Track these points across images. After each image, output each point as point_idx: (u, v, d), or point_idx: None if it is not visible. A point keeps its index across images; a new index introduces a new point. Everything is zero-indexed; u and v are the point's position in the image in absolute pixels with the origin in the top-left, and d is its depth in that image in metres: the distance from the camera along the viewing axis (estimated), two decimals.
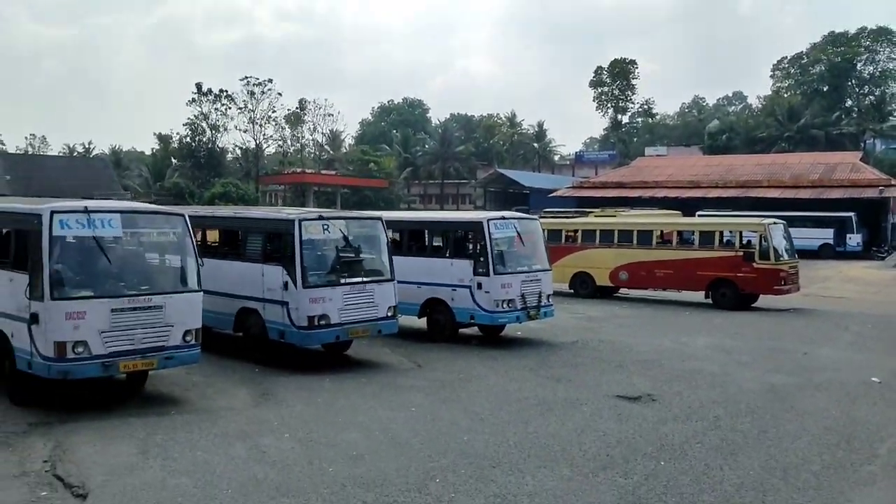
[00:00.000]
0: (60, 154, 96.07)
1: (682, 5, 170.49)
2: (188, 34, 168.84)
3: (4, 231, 10.81)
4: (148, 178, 69.95)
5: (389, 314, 13.56)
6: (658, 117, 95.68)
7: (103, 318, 9.70)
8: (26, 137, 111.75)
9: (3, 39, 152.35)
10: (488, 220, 15.56)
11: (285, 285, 12.52)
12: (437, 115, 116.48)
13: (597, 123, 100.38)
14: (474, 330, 16.34)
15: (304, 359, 13.47)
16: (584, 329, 17.93)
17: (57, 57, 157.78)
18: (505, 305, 15.29)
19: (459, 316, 15.64)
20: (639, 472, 7.98)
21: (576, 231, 25.84)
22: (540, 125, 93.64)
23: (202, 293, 10.86)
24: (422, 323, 16.21)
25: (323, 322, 12.54)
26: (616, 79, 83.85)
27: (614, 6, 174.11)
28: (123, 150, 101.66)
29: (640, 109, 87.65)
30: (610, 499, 7.27)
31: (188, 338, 10.50)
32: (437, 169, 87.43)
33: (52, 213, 9.74)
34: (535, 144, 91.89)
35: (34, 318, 9.51)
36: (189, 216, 11.18)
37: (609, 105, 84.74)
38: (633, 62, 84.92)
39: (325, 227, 13.30)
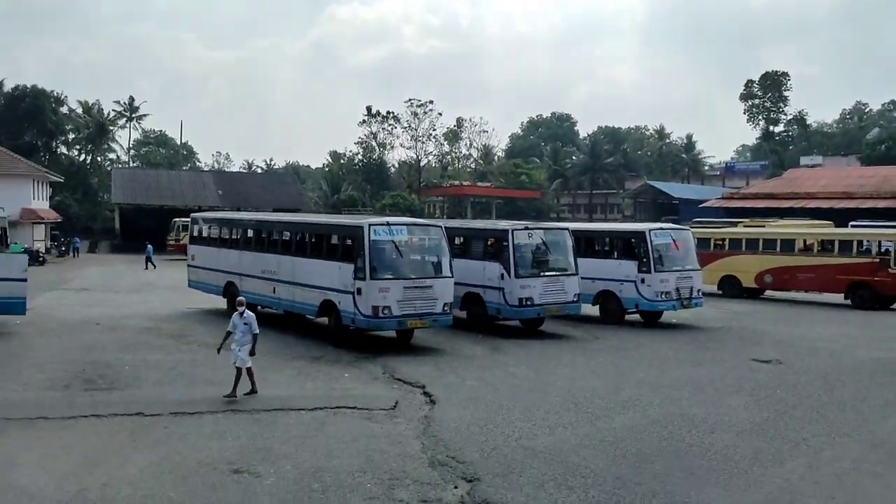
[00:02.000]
0: (242, 170, 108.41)
1: (843, 4, 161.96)
2: (339, 53, 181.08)
3: (336, 237, 16.46)
4: (327, 192, 78.62)
5: (574, 299, 18.33)
6: (815, 125, 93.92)
7: (399, 292, 15.09)
8: (213, 155, 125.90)
9: (177, 63, 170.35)
10: (649, 231, 20.00)
11: (501, 276, 17.57)
12: (584, 128, 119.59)
13: (749, 131, 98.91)
14: (637, 318, 20.64)
15: (510, 331, 18.40)
16: (729, 319, 21.76)
17: (222, 78, 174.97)
18: (663, 296, 19.62)
19: (626, 304, 20.10)
20: (762, 395, 12.20)
21: (723, 239, 29.31)
22: (689, 137, 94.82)
23: (453, 279, 16.10)
24: (595, 310, 20.68)
25: (528, 303, 17.51)
26: (767, 90, 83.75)
27: (767, 6, 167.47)
28: (296, 165, 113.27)
29: (793, 118, 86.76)
30: (740, 402, 11.59)
31: (445, 308, 15.75)
32: (586, 180, 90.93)
33: (370, 225, 15.29)
34: (684, 155, 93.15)
35: (358, 291, 15.02)
36: (444, 227, 16.53)
37: (760, 117, 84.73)
38: (784, 74, 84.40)
39: (529, 234, 18.30)
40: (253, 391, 11.28)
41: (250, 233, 19.53)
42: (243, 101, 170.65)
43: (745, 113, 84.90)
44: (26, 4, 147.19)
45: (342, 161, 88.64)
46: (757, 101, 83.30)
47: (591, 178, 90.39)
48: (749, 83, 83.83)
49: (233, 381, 11.11)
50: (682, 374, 13.78)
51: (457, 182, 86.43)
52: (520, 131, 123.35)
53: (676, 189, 69.80)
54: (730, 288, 28.31)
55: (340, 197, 74.55)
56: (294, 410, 10.56)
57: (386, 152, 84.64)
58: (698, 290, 20.46)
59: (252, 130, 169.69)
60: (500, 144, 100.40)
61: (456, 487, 7.68)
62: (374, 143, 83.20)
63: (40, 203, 49.21)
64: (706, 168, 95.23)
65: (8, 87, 69.14)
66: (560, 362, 14.80)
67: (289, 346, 15.84)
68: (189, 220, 50.03)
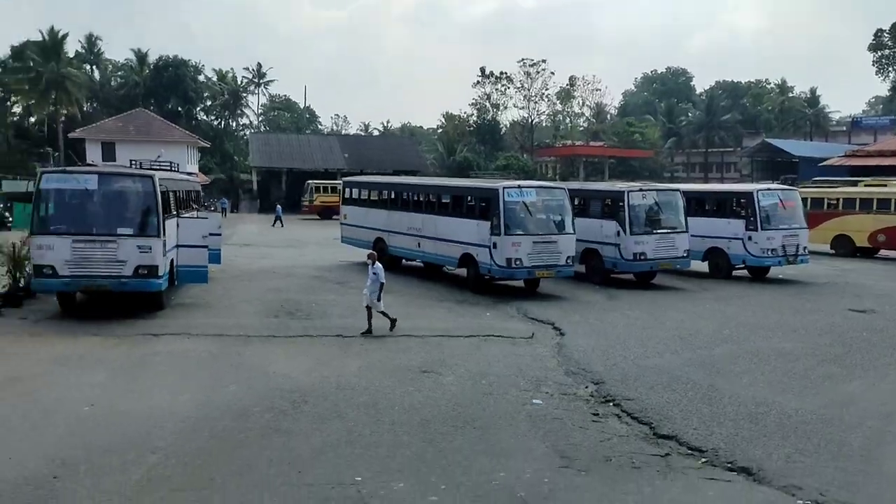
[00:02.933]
0: (359, 132, 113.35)
1: None
2: (446, 8, 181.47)
3: (473, 199, 19.23)
4: (443, 154, 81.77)
5: (684, 255, 20.39)
6: None
7: (529, 246, 17.73)
8: (331, 117, 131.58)
9: (288, 24, 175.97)
10: (757, 191, 21.65)
11: (618, 233, 19.85)
12: (700, 83, 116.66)
13: (879, 84, 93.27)
14: (745, 273, 22.37)
15: (625, 283, 20.68)
16: (834, 275, 23.09)
17: (332, 39, 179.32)
18: (769, 253, 21.31)
19: (734, 260, 21.91)
20: (849, 336, 14.07)
21: (837, 199, 30.05)
22: (813, 91, 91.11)
23: (574, 235, 18.55)
24: (704, 266, 22.53)
25: (642, 257, 19.74)
26: None
27: None
28: (411, 126, 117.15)
29: None
30: (826, 341, 13.56)
31: (568, 260, 18.29)
32: (701, 138, 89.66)
33: (504, 188, 17.95)
34: (807, 110, 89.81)
35: (494, 245, 17.76)
36: (567, 189, 18.98)
37: (891, 69, 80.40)
38: None
39: (643, 195, 20.42)
40: (369, 331, 13.36)
41: (397, 194, 22.62)
42: (354, 61, 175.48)
43: (873, 65, 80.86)
44: None
45: (456, 122, 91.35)
46: (887, 52, 79.07)
47: (706, 135, 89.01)
48: (879, 32, 79.59)
49: (367, 320, 13.46)
50: (779, 319, 15.76)
51: (569, 142, 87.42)
52: (633, 87, 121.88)
53: (796, 147, 68.18)
54: (842, 247, 29.18)
55: (455, 159, 77.47)
56: (453, 337, 13.49)
57: (499, 113, 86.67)
58: (804, 248, 21.97)
59: (364, 90, 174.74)
60: (612, 102, 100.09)
61: (586, 387, 10.35)
62: (487, 105, 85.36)
63: (192, 167, 54.87)
64: (832, 124, 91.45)
65: (152, 58, 75.84)
66: (670, 308, 17.07)
67: (435, 292, 18.87)
68: (321, 182, 54.70)
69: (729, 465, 7.43)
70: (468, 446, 7.77)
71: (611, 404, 9.56)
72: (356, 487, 6.59)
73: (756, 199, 21.45)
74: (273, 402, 9.16)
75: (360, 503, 6.30)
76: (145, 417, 8.44)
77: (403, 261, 22.82)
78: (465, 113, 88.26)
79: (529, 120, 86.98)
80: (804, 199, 30.64)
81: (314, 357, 11.69)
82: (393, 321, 13.73)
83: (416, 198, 21.87)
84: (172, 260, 15.68)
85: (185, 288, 17.48)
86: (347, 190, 25.65)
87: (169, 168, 21.36)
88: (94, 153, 49.33)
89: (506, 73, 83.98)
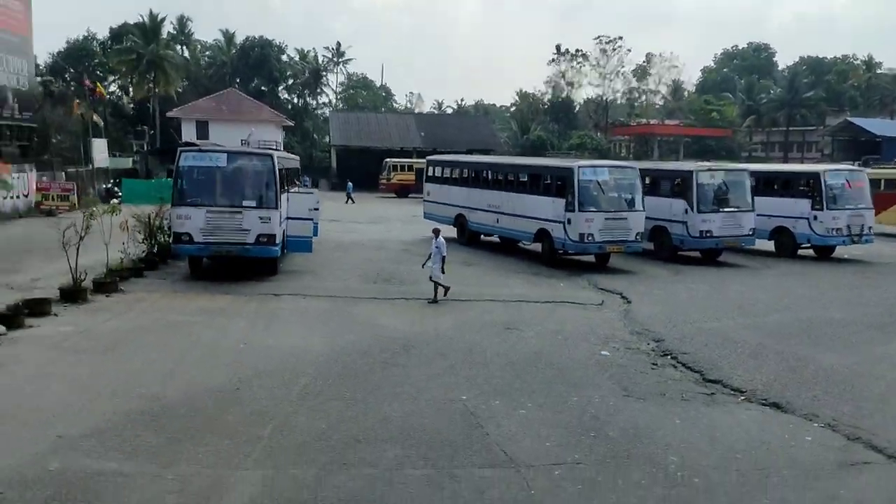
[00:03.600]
0: (433, 109, 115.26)
1: None
2: None
3: (549, 178, 20.86)
4: (516, 132, 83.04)
5: (749, 233, 21.55)
6: None
7: (601, 222, 19.27)
8: (406, 95, 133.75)
9: (365, 2, 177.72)
10: (824, 172, 22.53)
11: (685, 211, 21.15)
12: (783, 59, 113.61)
13: None
14: (811, 252, 23.30)
15: (691, 260, 21.97)
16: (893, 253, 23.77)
17: (407, 14, 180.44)
18: (834, 232, 22.22)
19: (799, 239, 22.89)
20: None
21: None
22: None
23: (644, 213, 19.98)
24: (771, 246, 23.54)
25: (708, 234, 21.02)
26: None
27: None
28: (484, 104, 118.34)
29: None
30: (876, 311, 14.75)
31: (637, 237, 19.78)
32: (782, 116, 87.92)
33: (579, 167, 19.53)
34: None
35: (568, 221, 19.38)
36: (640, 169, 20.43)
37: None
38: None
39: (711, 175, 21.62)
40: (434, 300, 14.80)
41: (477, 173, 24.44)
42: (428, 38, 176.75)
43: None
44: None
45: (530, 100, 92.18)
46: None
47: (787, 113, 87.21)
48: None
49: (433, 290, 15.06)
50: (836, 293, 16.94)
51: (644, 120, 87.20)
52: (713, 64, 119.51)
53: (880, 126, 66.52)
54: None
55: (529, 137, 78.61)
56: (530, 302, 15.30)
57: (574, 91, 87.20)
58: (869, 228, 22.76)
59: (438, 66, 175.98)
60: (690, 79, 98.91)
61: (648, 344, 12.02)
62: (562, 82, 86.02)
63: (277, 143, 57.87)
64: None
65: (238, 38, 79.37)
66: (732, 281, 18.42)
67: (512, 265, 20.66)
68: (399, 160, 56.81)
69: (763, 401, 9.05)
70: (548, 379, 9.63)
71: (668, 357, 11.23)
72: (462, 403, 8.54)
73: (823, 179, 22.34)
74: (386, 345, 11.21)
75: (467, 413, 8.23)
76: (288, 353, 10.61)
77: (482, 236, 24.67)
78: (539, 91, 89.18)
79: (604, 98, 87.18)
80: (879, 180, 31.26)
81: (413, 315, 13.72)
82: (447, 289, 15.19)
83: (494, 176, 23.63)
84: (283, 230, 17.96)
85: (291, 256, 19.78)
86: (430, 168, 27.62)
87: (275, 148, 23.72)
88: (188, 131, 52.88)
89: (581, 51, 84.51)
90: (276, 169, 16.78)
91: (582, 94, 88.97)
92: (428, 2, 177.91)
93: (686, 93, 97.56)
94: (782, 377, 10.03)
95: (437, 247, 15.30)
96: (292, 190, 20.01)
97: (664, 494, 6.46)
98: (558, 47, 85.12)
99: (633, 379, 9.91)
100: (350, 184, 48.67)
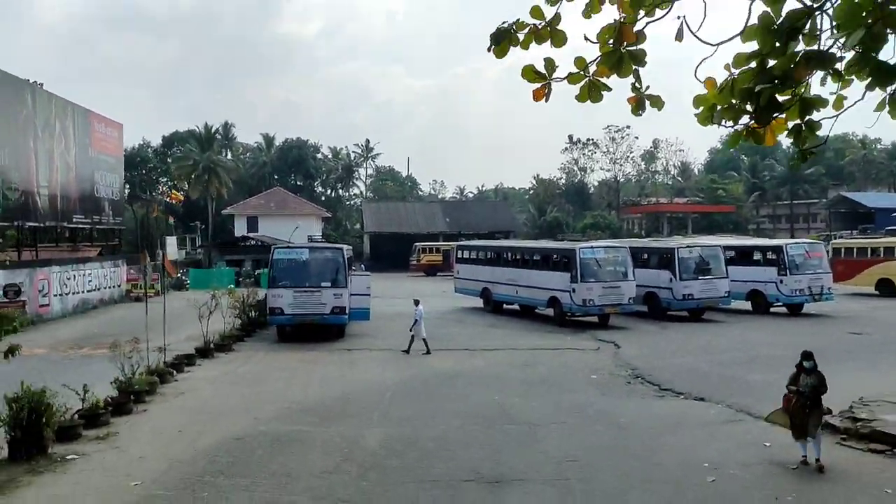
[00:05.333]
0: (455, 195, 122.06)
1: None
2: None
3: (557, 256, 25.89)
4: (534, 214, 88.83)
5: (725, 295, 26.26)
6: None
7: (599, 290, 24.11)
8: (429, 183, 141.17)
9: (387, 94, 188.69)
10: (786, 245, 27.35)
11: (670, 279, 25.96)
12: (785, 139, 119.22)
13: None
14: (783, 310, 27.82)
15: (678, 318, 26.56)
16: (863, 311, 28.14)
17: (425, 105, 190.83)
18: (797, 293, 26.83)
19: (770, 299, 27.50)
20: (837, 345, 19.65)
21: (877, 247, 34.87)
22: (895, 144, 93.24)
23: (634, 281, 24.81)
24: (746, 305, 28.12)
25: (690, 297, 25.75)
26: None
27: None
28: (503, 188, 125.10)
29: None
30: (816, 344, 19.24)
31: (630, 300, 24.56)
32: (785, 191, 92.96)
33: (579, 248, 24.56)
34: (891, 163, 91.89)
35: (573, 290, 24.25)
36: (629, 247, 25.41)
37: None
38: None
39: (691, 250, 26.54)
40: (427, 352, 19.38)
41: (499, 254, 29.55)
42: (448, 127, 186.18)
43: None
44: (251, 57, 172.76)
45: (546, 185, 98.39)
46: None
47: (790, 189, 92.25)
48: None
49: (425, 344, 19.42)
50: (786, 339, 21.33)
51: (654, 199, 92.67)
52: (719, 144, 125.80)
53: (872, 199, 71.31)
54: (886, 289, 33.84)
55: (546, 219, 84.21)
56: (543, 349, 20.05)
57: (586, 175, 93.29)
58: (828, 288, 27.35)
59: (458, 154, 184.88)
60: (697, 160, 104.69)
61: (627, 372, 16.67)
62: (575, 168, 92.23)
63: (318, 234, 63.92)
64: None
65: (278, 140, 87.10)
66: (705, 332, 23.03)
67: (529, 325, 25.48)
68: (426, 244, 62.12)
69: (695, 397, 13.70)
70: (553, 390, 14.37)
71: (639, 378, 15.90)
72: (495, 400, 13.34)
73: (785, 250, 27.13)
74: (438, 376, 16.04)
75: (498, 404, 13.01)
76: (372, 381, 15.47)
77: (504, 305, 29.54)
78: (554, 176, 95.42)
79: (615, 180, 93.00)
80: (851, 249, 35.95)
81: (454, 359, 18.55)
82: (428, 350, 19.37)
83: (513, 256, 28.71)
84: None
85: (353, 324, 24.73)
86: (459, 251, 32.84)
87: (321, 239, 29.08)
88: (240, 226, 59.04)
89: (592, 140, 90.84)
90: (345, 258, 22.02)
91: (594, 178, 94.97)
92: (442, 93, 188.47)
93: (696, 171, 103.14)
94: (714, 387, 14.65)
95: (417, 313, 19.86)
96: (352, 273, 25.17)
97: (614, 435, 11.15)
98: (570, 137, 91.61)
99: (609, 389, 14.62)
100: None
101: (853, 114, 4.75)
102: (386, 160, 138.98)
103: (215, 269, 46.26)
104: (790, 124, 4.86)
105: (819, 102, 4.75)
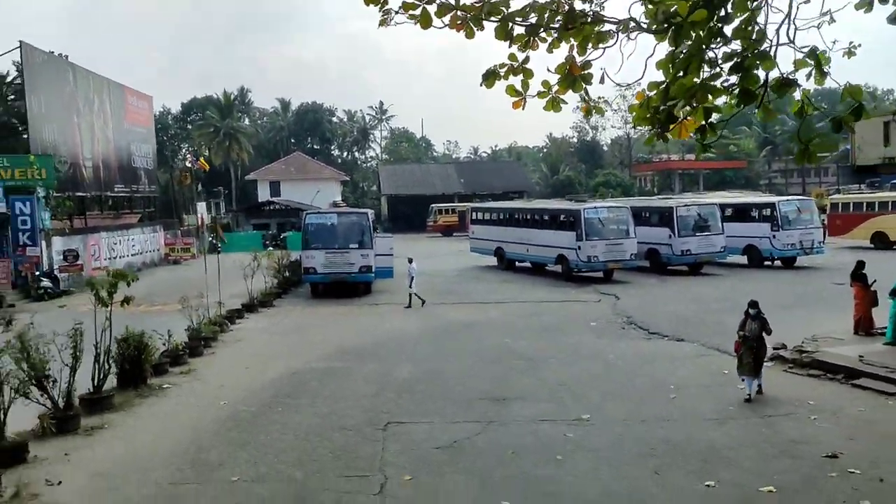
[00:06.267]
0: (469, 155, 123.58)
1: None
2: None
3: (563, 217, 28.03)
4: (547, 174, 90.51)
5: (721, 250, 28.36)
6: None
7: (602, 247, 26.27)
8: (444, 143, 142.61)
9: (399, 53, 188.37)
10: (779, 202, 29.27)
11: (670, 236, 28.07)
12: (797, 93, 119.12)
13: None
14: (778, 263, 29.86)
15: (678, 272, 28.71)
16: (853, 262, 30.05)
17: (437, 63, 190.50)
18: (789, 246, 28.86)
19: (763, 253, 29.54)
20: (810, 295, 21.78)
21: (874, 202, 36.62)
22: None
23: (635, 239, 26.94)
24: (740, 259, 30.19)
25: (688, 253, 27.89)
26: None
27: None
28: (516, 147, 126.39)
29: None
30: (799, 291, 21.43)
31: (632, 256, 26.73)
32: (796, 146, 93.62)
33: (584, 209, 26.68)
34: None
35: (579, 248, 26.45)
36: (631, 207, 27.51)
37: None
38: None
39: (688, 208, 28.58)
40: (412, 305, 21.95)
41: (511, 215, 31.71)
42: (460, 86, 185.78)
43: None
44: (261, 14, 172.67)
45: (559, 144, 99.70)
46: None
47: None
48: None
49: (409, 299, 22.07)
50: (773, 288, 23.52)
51: (665, 156, 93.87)
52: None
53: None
54: (880, 242, 35.70)
55: (559, 178, 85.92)
56: (550, 302, 22.35)
57: (598, 134, 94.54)
58: (819, 242, 29.34)
59: (471, 113, 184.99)
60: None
61: (622, 319, 18.95)
62: (587, 127, 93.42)
63: (338, 197, 66.22)
64: None
65: (294, 105, 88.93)
66: (700, 285, 25.22)
67: (539, 281, 27.79)
68: (443, 205, 64.14)
69: (676, 338, 15.99)
70: (555, 335, 16.72)
71: (632, 324, 18.19)
72: (505, 342, 15.72)
73: (778, 207, 29.09)
74: (456, 325, 18.43)
75: (507, 345, 15.39)
76: (398, 330, 17.91)
77: (517, 262, 31.82)
78: (566, 135, 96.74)
79: (627, 137, 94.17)
80: (847, 204, 37.74)
81: (469, 311, 20.92)
82: (423, 301, 21.93)
83: (524, 217, 30.87)
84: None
85: (377, 281, 27.14)
86: (474, 213, 35.05)
87: (345, 204, 31.36)
88: (263, 191, 61.43)
89: (603, 98, 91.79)
90: (371, 221, 24.34)
91: (607, 136, 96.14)
92: (455, 50, 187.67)
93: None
94: (695, 329, 16.91)
95: (410, 269, 22.16)
96: (376, 235, 27.49)
97: (601, 367, 13.49)
98: (581, 96, 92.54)
99: (605, 332, 16.97)
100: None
101: (862, 63, 6.84)
102: (400, 122, 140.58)
103: (244, 232, 48.76)
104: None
105: (715, 109, 6.88)
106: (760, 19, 6.35)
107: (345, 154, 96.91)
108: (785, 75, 6.44)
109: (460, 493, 7.80)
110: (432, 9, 5.64)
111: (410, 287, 22.12)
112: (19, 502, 7.40)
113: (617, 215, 27.37)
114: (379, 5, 5.54)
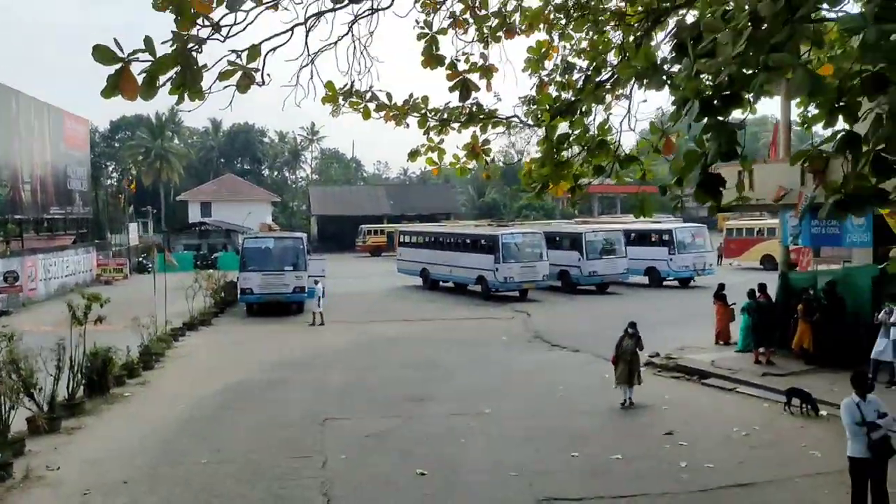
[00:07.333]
0: (398, 177, 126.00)
1: None
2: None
3: (483, 241, 30.56)
4: (473, 196, 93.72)
5: (624, 272, 31.46)
6: None
7: (518, 269, 28.95)
8: (374, 164, 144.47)
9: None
10: (675, 229, 32.65)
11: (579, 259, 30.98)
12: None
13: None
14: (675, 283, 33.18)
15: (587, 291, 31.61)
16: (741, 282, 33.59)
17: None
18: (684, 268, 32.21)
19: (662, 274, 32.82)
20: (693, 311, 24.91)
21: (762, 228, 40.67)
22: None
23: (548, 262, 29.70)
24: (643, 280, 33.38)
25: (594, 274, 30.84)
26: None
27: None
28: (446, 168, 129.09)
29: None
30: (677, 314, 24.46)
31: (543, 277, 29.48)
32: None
33: (501, 234, 29.32)
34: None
35: (496, 269, 29.01)
36: (544, 232, 30.30)
37: None
38: None
39: (595, 234, 31.59)
40: (313, 324, 23.74)
41: (436, 239, 34.10)
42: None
43: None
44: None
45: (485, 168, 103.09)
46: None
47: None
48: None
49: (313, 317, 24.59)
50: (663, 304, 26.61)
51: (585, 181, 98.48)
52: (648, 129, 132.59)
53: None
54: (769, 263, 39.61)
55: (485, 200, 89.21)
56: (469, 319, 24.76)
57: (524, 158, 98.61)
58: (710, 264, 32.84)
59: (401, 136, 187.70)
60: (630, 142, 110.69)
61: (530, 334, 21.49)
62: (513, 151, 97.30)
63: (269, 219, 67.36)
64: None
65: (226, 125, 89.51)
66: (602, 304, 28.11)
67: (460, 300, 30.20)
68: (372, 226, 65.99)
69: (572, 350, 18.59)
70: (470, 348, 19.08)
71: (538, 338, 20.73)
72: (426, 354, 17.96)
73: (674, 233, 32.45)
74: (382, 340, 20.58)
75: (427, 358, 17.63)
76: (329, 344, 19.93)
77: (441, 283, 34.19)
78: (494, 159, 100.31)
79: None
80: (741, 229, 41.65)
81: (395, 327, 23.12)
82: (322, 322, 23.81)
83: (448, 241, 33.32)
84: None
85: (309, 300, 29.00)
86: (402, 236, 37.34)
87: (277, 227, 33.13)
88: (194, 211, 62.11)
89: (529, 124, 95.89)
90: (304, 245, 26.28)
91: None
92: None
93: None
94: (589, 342, 19.53)
95: (316, 290, 24.20)
96: (309, 258, 29.41)
97: (505, 373, 15.90)
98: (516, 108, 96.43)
99: (514, 345, 19.45)
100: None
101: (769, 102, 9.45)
102: (331, 143, 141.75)
103: (175, 253, 49.52)
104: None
105: (583, 174, 9.34)
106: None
107: (275, 174, 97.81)
108: (629, 153, 8.99)
109: (385, 465, 9.97)
110: (372, 106, 7.93)
111: (319, 306, 23.98)
112: (29, 483, 9.17)
113: (531, 240, 30.14)
114: (332, 105, 7.78)
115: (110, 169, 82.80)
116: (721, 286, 19.49)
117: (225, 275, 29.72)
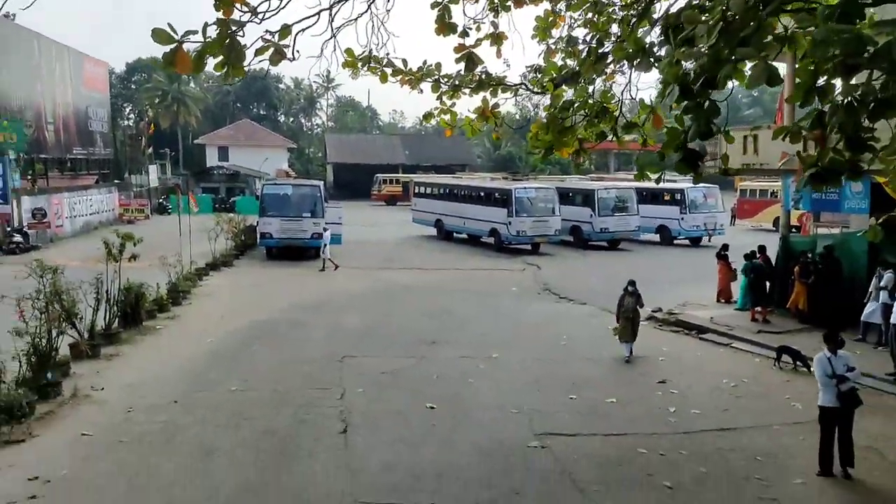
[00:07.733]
0: (414, 126, 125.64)
1: None
2: None
3: (496, 194, 31.13)
4: (489, 149, 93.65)
5: (635, 229, 32.01)
6: None
7: (531, 223, 29.58)
8: (389, 113, 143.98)
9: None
10: (687, 188, 33.06)
11: (590, 215, 31.54)
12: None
13: None
14: (686, 242, 33.74)
15: (598, 248, 32.24)
16: (751, 243, 34.13)
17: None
18: (695, 228, 32.72)
19: (673, 233, 33.35)
20: (698, 268, 25.53)
21: (776, 189, 40.89)
22: None
23: (560, 217, 30.30)
24: (654, 237, 33.95)
25: (606, 230, 31.43)
26: None
27: None
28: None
29: None
30: (682, 272, 25.11)
31: (556, 232, 30.12)
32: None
33: (514, 188, 29.88)
34: None
35: (509, 223, 29.66)
36: (557, 188, 30.83)
37: None
38: None
39: (608, 191, 32.06)
40: (336, 268, 24.88)
41: (451, 190, 34.70)
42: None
43: None
44: None
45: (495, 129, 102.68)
46: None
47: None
48: None
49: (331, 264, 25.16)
50: (671, 261, 27.25)
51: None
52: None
53: None
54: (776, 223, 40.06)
55: (501, 153, 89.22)
56: (481, 270, 25.53)
57: (540, 112, 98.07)
58: (721, 224, 33.33)
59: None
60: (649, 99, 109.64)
61: (540, 286, 22.24)
62: (529, 104, 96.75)
63: (286, 165, 67.98)
64: None
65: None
66: (611, 259, 28.77)
67: (473, 251, 30.95)
68: (387, 175, 66.59)
69: (580, 302, 19.35)
70: (481, 297, 19.88)
71: (547, 290, 21.49)
72: (440, 303, 18.79)
73: (686, 193, 32.85)
74: (397, 287, 21.41)
75: (442, 306, 18.46)
76: (345, 289, 20.79)
77: (455, 234, 34.90)
78: (510, 113, 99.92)
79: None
80: (755, 191, 41.90)
81: (410, 275, 23.93)
82: (336, 266, 24.86)
83: (462, 193, 33.91)
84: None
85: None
86: (417, 187, 37.94)
87: (294, 174, 33.79)
88: (211, 155, 62.79)
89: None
90: (322, 192, 26.99)
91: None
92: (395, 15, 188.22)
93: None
94: (596, 295, 20.22)
95: (325, 238, 25.17)
96: (327, 205, 30.13)
97: (514, 322, 16.71)
98: (523, 76, 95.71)
99: (523, 297, 20.23)
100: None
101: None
102: (347, 90, 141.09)
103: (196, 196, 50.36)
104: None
105: (587, 138, 9.94)
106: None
107: (291, 121, 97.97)
108: (629, 120, 9.56)
109: (398, 399, 10.86)
110: (389, 70, 8.53)
111: (324, 252, 24.78)
112: (77, 400, 10.14)
113: (544, 195, 30.68)
114: (352, 70, 8.38)
115: (127, 111, 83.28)
116: (725, 246, 20.09)
117: (245, 218, 30.56)
